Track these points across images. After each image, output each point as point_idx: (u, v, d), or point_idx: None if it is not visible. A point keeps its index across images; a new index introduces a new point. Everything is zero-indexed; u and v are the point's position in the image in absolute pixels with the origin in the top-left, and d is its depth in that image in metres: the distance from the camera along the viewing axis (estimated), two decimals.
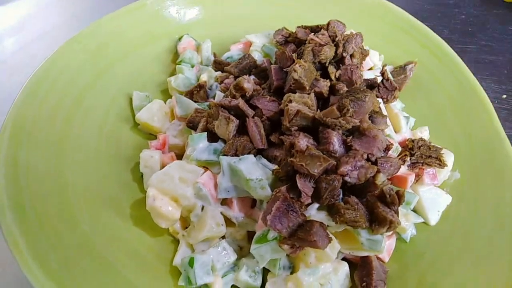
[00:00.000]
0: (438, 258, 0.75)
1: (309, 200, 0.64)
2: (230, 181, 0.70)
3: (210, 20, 1.11)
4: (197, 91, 0.92)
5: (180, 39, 1.06)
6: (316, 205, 0.66)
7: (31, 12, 1.39)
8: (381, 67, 0.96)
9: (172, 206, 0.71)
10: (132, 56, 1.02)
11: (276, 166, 0.70)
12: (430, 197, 0.79)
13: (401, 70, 0.97)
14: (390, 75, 0.86)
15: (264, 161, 0.73)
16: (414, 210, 0.79)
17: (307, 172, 0.63)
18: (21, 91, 0.83)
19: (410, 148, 0.80)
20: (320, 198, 0.64)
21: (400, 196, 0.64)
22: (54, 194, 0.74)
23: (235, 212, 0.72)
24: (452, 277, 0.71)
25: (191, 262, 0.66)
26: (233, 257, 0.69)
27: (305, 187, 0.64)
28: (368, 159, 0.66)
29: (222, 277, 0.68)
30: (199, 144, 0.75)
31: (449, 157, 0.83)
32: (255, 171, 0.68)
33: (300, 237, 0.61)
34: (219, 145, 0.76)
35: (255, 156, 0.73)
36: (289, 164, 0.65)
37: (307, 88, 0.74)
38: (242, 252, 0.73)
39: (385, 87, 0.84)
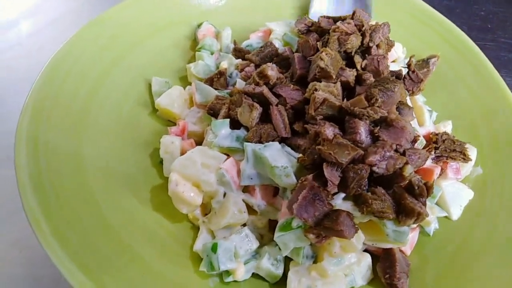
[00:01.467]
0: (459, 253, 0.74)
1: (336, 189, 0.64)
2: (253, 168, 0.70)
3: (230, 8, 1.09)
4: (217, 79, 0.91)
5: (199, 26, 1.05)
6: (342, 195, 0.65)
7: None
8: (405, 60, 0.95)
9: (194, 192, 0.70)
10: (150, 42, 1.00)
11: (300, 155, 0.69)
12: (452, 192, 0.79)
13: (423, 63, 0.95)
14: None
15: (288, 149, 0.72)
16: (436, 204, 0.78)
17: (335, 160, 0.62)
18: (42, 72, 0.82)
19: (434, 141, 0.79)
20: (346, 187, 0.63)
21: (428, 188, 0.63)
22: (74, 175, 0.74)
23: (258, 200, 0.72)
24: (472, 273, 0.71)
25: (214, 248, 0.65)
26: (255, 244, 0.69)
27: (332, 176, 0.63)
28: (396, 150, 0.65)
29: (244, 264, 0.67)
30: (222, 131, 0.74)
31: (472, 152, 0.82)
32: (281, 158, 0.67)
33: (327, 226, 0.60)
34: (241, 132, 0.75)
35: (279, 143, 0.72)
36: (316, 152, 0.64)
37: (334, 77, 0.73)
38: (263, 240, 0.73)
39: (410, 79, 0.83)
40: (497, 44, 1.31)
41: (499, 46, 1.30)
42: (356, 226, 0.62)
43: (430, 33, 1.06)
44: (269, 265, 0.67)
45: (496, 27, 1.38)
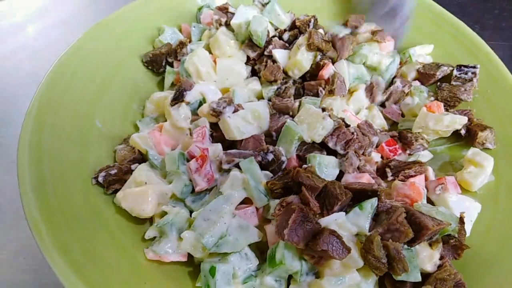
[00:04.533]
0: (469, 264, 0.71)
1: (319, 210, 0.64)
2: None
3: None
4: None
5: (199, 10, 1.05)
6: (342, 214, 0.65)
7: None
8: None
9: None
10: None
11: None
12: (460, 207, 0.74)
13: (435, 67, 0.93)
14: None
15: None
16: None
17: (312, 183, 0.64)
18: (46, 76, 0.82)
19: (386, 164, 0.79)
20: (333, 202, 0.64)
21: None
22: (78, 183, 0.74)
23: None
24: (483, 283, 0.68)
25: (212, 272, 0.63)
26: (254, 264, 0.67)
27: (311, 198, 0.64)
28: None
29: (243, 284, 0.66)
30: None
31: (488, 162, 0.80)
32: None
33: (310, 246, 0.60)
34: None
35: None
36: (287, 177, 0.68)
37: None
38: (265, 255, 0.69)
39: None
40: (511, 43, 1.27)
41: None
42: (348, 246, 0.61)
43: (445, 36, 1.02)
44: (272, 282, 0.66)
45: (510, 26, 1.33)
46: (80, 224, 0.68)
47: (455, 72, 0.91)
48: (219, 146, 0.75)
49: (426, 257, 0.64)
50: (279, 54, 0.90)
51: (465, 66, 0.91)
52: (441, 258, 0.65)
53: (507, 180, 0.80)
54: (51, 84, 0.81)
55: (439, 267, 0.65)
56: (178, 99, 0.81)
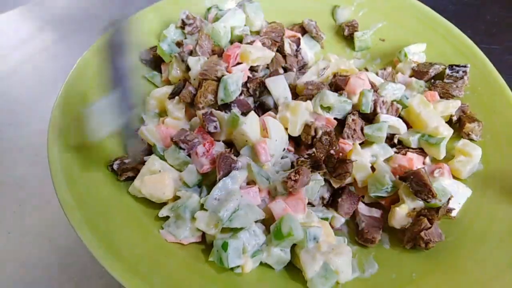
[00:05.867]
0: (460, 241, 0.78)
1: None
2: None
3: None
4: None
5: (209, 10, 1.10)
6: None
7: (71, 4, 1.46)
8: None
9: None
10: None
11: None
12: (452, 189, 0.81)
13: (429, 65, 1.01)
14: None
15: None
16: None
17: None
18: (70, 74, 0.89)
19: None
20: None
21: None
22: (101, 165, 0.82)
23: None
24: (473, 257, 0.75)
25: (224, 246, 0.69)
26: (262, 239, 0.74)
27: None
28: None
29: (252, 257, 0.72)
30: None
31: (476, 151, 0.87)
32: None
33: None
34: None
35: None
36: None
37: None
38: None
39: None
40: (502, 47, 1.34)
41: (504, 50, 1.33)
42: None
43: (437, 37, 1.10)
44: (278, 251, 0.72)
45: (502, 31, 1.40)
46: (107, 206, 0.76)
47: (447, 71, 0.99)
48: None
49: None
50: None
51: (457, 66, 0.99)
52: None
53: (495, 169, 0.87)
54: (76, 78, 0.89)
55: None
56: (176, 93, 0.90)
